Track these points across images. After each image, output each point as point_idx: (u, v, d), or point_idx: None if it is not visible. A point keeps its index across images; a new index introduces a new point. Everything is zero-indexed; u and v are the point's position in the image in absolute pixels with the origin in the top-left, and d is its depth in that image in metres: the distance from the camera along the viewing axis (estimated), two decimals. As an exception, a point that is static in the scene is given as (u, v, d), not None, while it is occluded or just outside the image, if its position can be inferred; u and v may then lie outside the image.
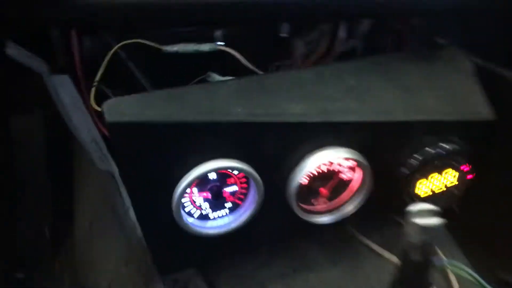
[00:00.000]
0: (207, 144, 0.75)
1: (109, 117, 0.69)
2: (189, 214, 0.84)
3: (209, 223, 0.87)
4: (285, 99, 0.81)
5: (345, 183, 0.92)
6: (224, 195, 0.84)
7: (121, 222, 1.02)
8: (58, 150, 1.30)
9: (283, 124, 0.79)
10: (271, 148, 0.80)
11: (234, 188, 0.84)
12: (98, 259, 1.15)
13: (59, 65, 0.98)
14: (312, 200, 0.93)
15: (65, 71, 0.96)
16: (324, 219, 0.93)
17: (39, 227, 1.38)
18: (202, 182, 0.81)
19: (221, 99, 0.77)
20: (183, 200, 0.81)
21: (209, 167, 0.77)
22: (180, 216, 0.80)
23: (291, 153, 0.83)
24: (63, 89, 0.97)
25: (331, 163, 0.86)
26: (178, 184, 0.77)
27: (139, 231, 0.90)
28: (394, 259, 1.00)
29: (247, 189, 0.85)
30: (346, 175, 0.90)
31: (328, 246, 1.06)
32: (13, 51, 0.92)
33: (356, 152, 0.86)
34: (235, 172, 0.82)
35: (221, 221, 0.87)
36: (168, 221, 0.80)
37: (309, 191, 0.89)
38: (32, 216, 1.37)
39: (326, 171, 0.87)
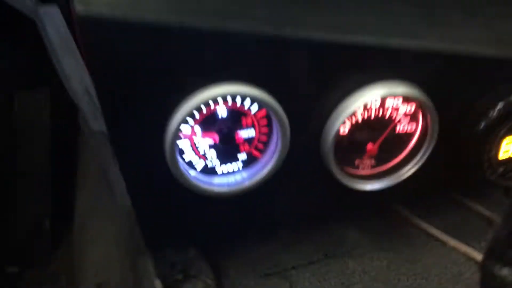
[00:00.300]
0: (214, 60, 0.55)
1: (80, 9, 0.48)
2: (190, 165, 0.63)
3: (217, 180, 0.65)
4: (326, 6, 0.59)
5: (400, 139, 0.68)
6: (237, 140, 0.62)
7: (113, 193, 0.82)
8: (63, 136, 1.17)
9: (321, 43, 0.56)
10: (304, 77, 0.59)
11: (251, 132, 0.63)
12: (89, 244, 0.97)
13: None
14: (356, 161, 0.69)
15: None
16: (370, 185, 0.70)
17: (38, 217, 1.24)
18: (207, 119, 0.59)
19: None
20: (181, 142, 0.59)
21: (216, 92, 0.55)
22: (176, 164, 0.59)
23: (330, 86, 0.60)
24: (52, 26, 0.79)
25: (384, 105, 0.63)
26: (173, 115, 0.55)
27: (127, 196, 0.69)
28: (463, 248, 0.75)
29: (268, 136, 0.63)
30: (402, 126, 0.67)
31: (373, 229, 0.83)
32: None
33: (421, 92, 0.62)
34: (253, 108, 0.60)
35: (232, 178, 0.65)
36: (161, 173, 0.61)
37: (351, 146, 0.67)
38: (32, 205, 1.23)
39: (375, 117, 0.64)
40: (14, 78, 1.11)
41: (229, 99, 0.59)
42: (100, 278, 0.89)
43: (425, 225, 0.83)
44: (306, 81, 0.60)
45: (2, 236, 1.19)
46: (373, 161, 0.70)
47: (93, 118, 0.87)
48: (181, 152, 0.62)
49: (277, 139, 0.63)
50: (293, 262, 0.79)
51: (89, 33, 0.50)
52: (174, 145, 0.58)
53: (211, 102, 0.59)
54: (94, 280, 0.89)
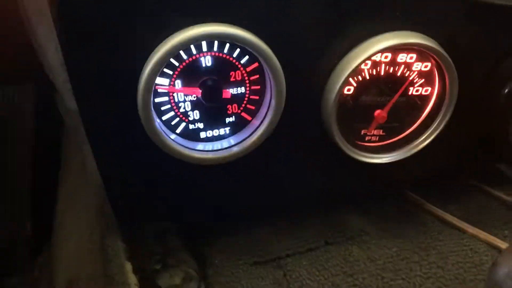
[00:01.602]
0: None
1: None
2: (169, 126, 0.54)
3: (200, 145, 0.55)
4: None
5: (413, 104, 0.59)
6: (225, 96, 0.53)
7: (88, 176, 0.74)
8: (47, 133, 1.10)
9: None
10: (305, 24, 0.51)
11: (240, 89, 0.53)
12: (64, 241, 0.89)
13: None
14: (362, 131, 0.60)
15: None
16: (378, 158, 0.61)
17: (18, 222, 1.16)
18: (189, 70, 0.50)
19: None
20: (158, 99, 0.51)
21: (196, 33, 0.47)
22: (151, 123, 0.51)
23: (335, 35, 0.52)
24: None
25: (395, 61, 0.54)
26: (147, 63, 0.47)
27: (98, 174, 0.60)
28: (483, 236, 0.66)
29: (260, 94, 0.54)
30: (416, 88, 0.58)
31: (380, 214, 0.74)
32: None
33: (438, 45, 0.53)
34: (243, 60, 0.51)
35: (218, 144, 0.56)
36: (135, 136, 0.52)
37: (357, 112, 0.58)
38: (13, 208, 1.16)
39: (385, 75, 0.55)
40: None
41: (215, 46, 0.50)
42: (71, 273, 0.80)
43: (439, 211, 0.73)
44: (307, 28, 0.51)
45: None
46: (381, 132, 0.61)
47: (70, 96, 0.78)
48: (160, 113, 0.53)
49: (271, 98, 0.54)
50: (289, 249, 0.69)
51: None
52: (148, 99, 0.50)
53: (193, 49, 0.50)
54: (65, 276, 0.80)
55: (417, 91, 0.59)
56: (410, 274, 0.64)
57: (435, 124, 0.60)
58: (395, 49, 0.54)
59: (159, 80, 0.51)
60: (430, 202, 0.75)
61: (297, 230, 0.72)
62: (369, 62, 0.55)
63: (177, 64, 0.51)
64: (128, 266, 0.61)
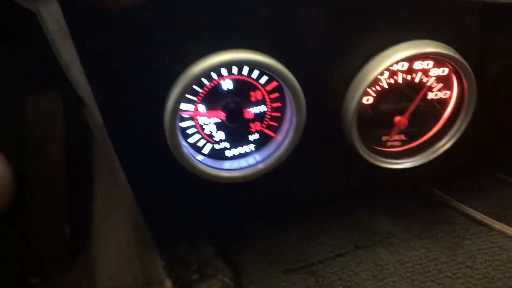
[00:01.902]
0: (213, 25, 0.48)
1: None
2: (196, 148, 0.56)
3: (227, 164, 0.57)
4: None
5: (433, 108, 0.60)
6: (247, 116, 0.54)
7: (121, 190, 0.76)
8: (78, 136, 1.12)
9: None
10: (318, 40, 0.52)
11: (262, 108, 0.55)
12: (104, 248, 0.92)
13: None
14: (384, 138, 0.61)
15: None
16: (401, 164, 0.61)
17: (56, 225, 1.20)
18: (211, 95, 0.52)
19: None
20: (184, 123, 0.53)
21: (217, 61, 0.48)
22: (178, 147, 0.53)
23: (350, 50, 0.53)
24: (49, 15, 0.74)
25: (412, 69, 0.55)
26: (171, 91, 0.49)
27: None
28: (510, 231, 0.66)
29: (281, 111, 0.56)
30: (434, 92, 0.58)
31: (406, 215, 0.74)
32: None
33: (452, 49, 0.54)
34: (262, 80, 0.53)
35: (244, 161, 0.58)
36: (164, 159, 0.55)
37: (377, 120, 0.59)
38: (51, 213, 1.19)
39: (403, 83, 0.56)
40: (27, 82, 1.07)
41: (234, 69, 0.52)
42: (113, 282, 0.83)
43: (465, 208, 0.73)
44: (321, 44, 0.52)
45: (22, 247, 1.15)
46: (403, 137, 0.62)
47: (98, 111, 0.81)
48: (187, 136, 0.55)
49: (292, 115, 0.56)
50: (319, 255, 0.70)
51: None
52: (174, 124, 0.52)
53: (214, 75, 0.52)
54: (108, 284, 0.84)
55: (436, 95, 0.60)
56: (439, 276, 0.65)
57: (456, 127, 0.61)
58: (411, 58, 0.55)
59: (183, 106, 0.53)
60: (455, 199, 0.75)
61: (326, 236, 0.73)
62: (386, 72, 0.56)
63: (199, 90, 0.53)
64: (168, 284, 0.63)
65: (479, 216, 0.72)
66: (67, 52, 0.74)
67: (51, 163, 1.15)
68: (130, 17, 0.45)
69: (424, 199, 0.78)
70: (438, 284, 0.64)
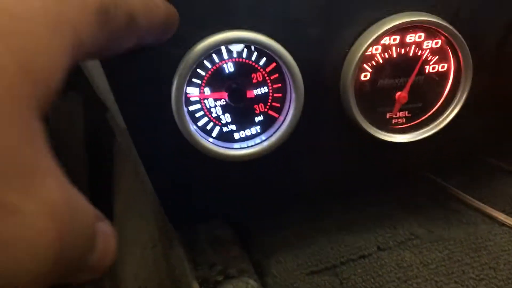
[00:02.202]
0: (211, 8, 0.53)
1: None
2: (206, 131, 0.60)
3: (236, 144, 0.61)
4: None
5: (432, 82, 0.62)
6: (249, 95, 0.59)
7: (144, 189, 0.81)
8: (98, 137, 1.19)
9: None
10: (310, 17, 0.55)
11: (263, 89, 0.59)
12: (128, 247, 0.96)
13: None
14: (388, 115, 0.63)
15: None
16: (405, 136, 0.63)
17: None
18: (215, 78, 0.57)
19: None
20: (191, 107, 0.58)
21: (215, 40, 0.53)
22: (188, 129, 0.57)
23: (340, 25, 0.56)
24: None
25: (404, 42, 0.58)
26: (176, 74, 0.54)
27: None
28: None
29: (283, 92, 0.60)
30: (431, 66, 0.60)
31: (429, 216, 0.75)
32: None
33: (441, 19, 0.56)
34: (262, 61, 0.57)
35: (251, 142, 0.62)
36: (177, 144, 0.58)
37: (378, 97, 0.61)
38: None
39: (398, 57, 0.59)
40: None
41: (234, 53, 0.57)
42: (139, 282, 0.86)
43: (487, 208, 0.72)
44: (314, 22, 0.56)
45: None
46: (407, 113, 0.64)
47: (120, 115, 0.88)
48: (196, 119, 0.60)
49: (291, 94, 0.59)
50: (342, 257, 0.71)
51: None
52: (181, 106, 0.56)
53: (215, 58, 0.57)
54: (135, 284, 0.87)
55: (433, 68, 0.61)
56: (463, 277, 0.64)
57: (457, 98, 0.62)
58: (402, 30, 0.57)
59: (190, 89, 0.58)
60: (476, 198, 0.74)
61: (349, 237, 0.73)
62: (379, 47, 0.59)
63: (203, 73, 0.58)
64: (196, 286, 0.65)
65: (501, 216, 0.71)
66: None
67: (72, 165, 1.22)
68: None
69: (446, 200, 0.77)
70: (462, 285, 0.64)
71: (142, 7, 0.36)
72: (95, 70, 0.73)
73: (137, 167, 0.80)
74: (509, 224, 0.70)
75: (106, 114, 0.94)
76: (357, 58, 0.56)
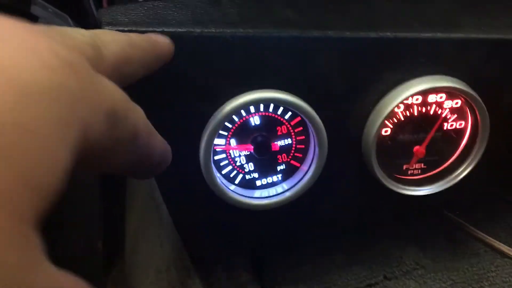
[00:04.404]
0: (242, 68, 0.54)
1: (105, 24, 0.50)
2: (228, 179, 0.62)
3: (257, 193, 0.63)
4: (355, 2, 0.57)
5: (449, 138, 0.64)
6: (274, 148, 0.60)
7: (159, 216, 0.83)
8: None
9: (351, 41, 0.55)
10: (336, 79, 0.57)
11: (287, 141, 0.61)
12: (140, 269, 0.97)
13: (87, 20, 0.85)
14: (404, 167, 0.65)
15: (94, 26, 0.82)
16: (421, 190, 0.65)
17: (91, 241, 1.26)
18: (241, 130, 0.59)
19: None
20: (217, 157, 0.59)
21: (246, 100, 0.55)
22: (213, 178, 0.58)
23: (365, 87, 0.58)
24: None
25: (426, 102, 0.60)
26: (205, 128, 0.55)
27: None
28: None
29: (306, 144, 0.61)
30: (449, 123, 0.62)
31: (433, 247, 0.77)
32: (39, 10, 0.82)
33: (464, 83, 0.58)
34: (287, 115, 0.59)
35: (273, 190, 0.63)
36: (200, 190, 0.60)
37: (396, 150, 0.64)
38: (84, 228, 1.26)
39: (419, 115, 0.61)
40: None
41: (261, 107, 0.58)
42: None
43: (491, 240, 0.75)
44: (339, 83, 0.58)
45: (55, 261, 1.21)
46: (422, 165, 0.66)
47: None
48: (220, 168, 0.61)
49: (315, 147, 0.61)
50: (349, 285, 0.74)
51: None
52: (209, 159, 0.58)
53: (243, 112, 0.58)
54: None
55: (451, 125, 0.63)
56: None
57: (473, 154, 0.64)
58: (425, 92, 0.59)
59: (216, 141, 0.59)
60: (481, 229, 0.77)
61: (356, 266, 0.76)
62: (401, 106, 0.61)
63: (230, 126, 0.59)
64: None
65: (505, 248, 0.74)
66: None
67: (86, 177, 1.22)
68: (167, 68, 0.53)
69: (450, 231, 0.80)
70: None
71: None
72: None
73: (153, 192, 0.81)
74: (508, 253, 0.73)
75: None
76: (381, 118, 0.58)
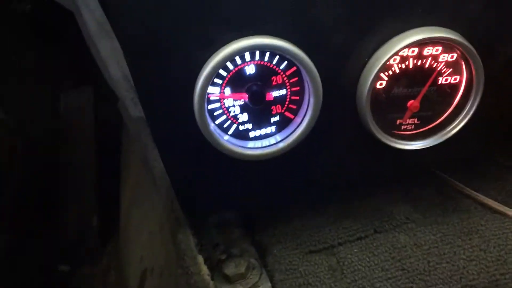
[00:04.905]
0: (237, 14, 0.54)
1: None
2: (222, 129, 0.61)
3: (250, 143, 0.63)
4: None
5: (443, 93, 0.64)
6: (268, 98, 0.60)
7: (153, 177, 0.83)
8: (107, 131, 1.20)
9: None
10: (333, 27, 0.56)
11: (282, 91, 0.61)
12: (134, 234, 0.98)
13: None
14: (398, 121, 0.65)
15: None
16: (413, 144, 0.65)
17: (86, 216, 1.28)
18: (236, 79, 0.58)
19: None
20: (211, 106, 0.59)
21: (240, 46, 0.54)
22: (207, 127, 0.58)
23: (362, 36, 0.58)
24: (88, 11, 0.81)
25: (422, 54, 0.60)
26: (199, 75, 0.55)
27: (166, 174, 0.69)
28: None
29: (300, 95, 0.61)
30: (444, 77, 0.62)
31: (424, 203, 0.78)
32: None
33: (460, 35, 0.58)
34: (282, 65, 0.58)
35: (266, 141, 0.63)
36: (195, 139, 0.60)
37: (391, 104, 0.63)
38: (79, 204, 1.27)
39: (414, 68, 0.61)
40: (59, 79, 1.15)
41: (257, 55, 0.58)
42: (145, 264, 0.89)
43: (481, 197, 0.76)
44: (337, 31, 0.57)
45: (52, 236, 1.22)
46: (416, 120, 0.66)
47: (132, 105, 0.88)
48: (214, 117, 0.61)
49: (309, 97, 0.61)
50: (340, 238, 0.74)
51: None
52: (203, 106, 0.57)
53: (238, 60, 0.58)
54: (140, 267, 0.89)
55: (446, 80, 0.64)
56: (454, 258, 0.68)
57: (466, 110, 0.65)
58: (421, 44, 0.59)
59: (211, 89, 0.59)
60: (472, 188, 0.78)
61: (347, 221, 0.76)
62: (397, 58, 0.60)
63: (225, 74, 0.58)
64: (200, 259, 0.67)
65: (494, 204, 0.75)
66: (104, 48, 0.82)
67: (82, 157, 1.23)
68: (164, 10, 0.52)
69: (442, 188, 0.81)
70: (453, 265, 0.68)
71: None
72: (109, 61, 0.74)
73: (147, 156, 0.81)
74: (501, 211, 0.74)
75: (118, 104, 0.95)
76: (376, 69, 0.58)
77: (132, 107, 0.85)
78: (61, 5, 0.84)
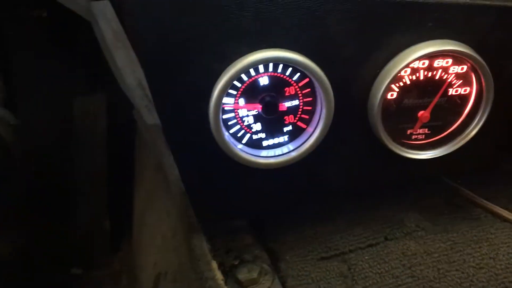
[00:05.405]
0: (252, 28, 0.55)
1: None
2: (236, 138, 0.63)
3: (264, 152, 0.65)
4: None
5: (454, 103, 0.65)
6: (281, 109, 0.61)
7: (167, 183, 0.84)
8: (120, 137, 1.21)
9: (360, 1, 0.56)
10: (346, 40, 0.58)
11: (294, 102, 0.62)
12: (148, 238, 0.99)
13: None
14: (408, 131, 0.67)
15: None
16: (424, 154, 0.67)
17: (98, 220, 1.29)
18: (250, 90, 0.60)
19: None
20: (225, 115, 0.61)
21: (255, 59, 0.56)
22: (222, 137, 0.60)
23: (374, 48, 0.59)
24: (104, 20, 0.83)
25: (432, 66, 0.61)
26: (215, 87, 0.56)
27: (180, 180, 0.70)
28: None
29: (313, 105, 0.63)
30: (454, 88, 0.64)
31: (434, 211, 0.79)
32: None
33: (471, 50, 0.59)
34: (295, 77, 0.60)
35: (279, 150, 0.65)
36: (210, 148, 0.62)
37: (401, 114, 0.64)
38: (92, 207, 1.28)
39: (425, 80, 0.62)
40: (73, 85, 1.17)
41: (270, 67, 0.59)
42: (158, 269, 0.90)
43: (490, 205, 0.77)
44: (348, 44, 0.59)
45: (64, 239, 1.23)
46: (426, 130, 0.67)
47: (147, 112, 0.90)
48: (228, 127, 0.63)
49: (321, 108, 0.62)
50: (350, 245, 0.76)
51: (136, 11, 0.52)
52: (218, 116, 0.59)
53: (252, 71, 0.59)
54: (153, 272, 0.91)
55: (456, 91, 0.65)
56: (463, 265, 0.69)
57: (476, 120, 0.66)
58: (432, 56, 0.60)
59: (225, 100, 0.60)
60: (481, 196, 0.79)
61: (357, 228, 0.78)
62: (408, 69, 0.62)
63: (239, 85, 0.60)
64: (214, 264, 0.68)
65: (504, 213, 0.75)
66: (120, 57, 0.83)
67: (95, 161, 1.24)
68: (181, 23, 0.54)
69: (451, 197, 0.82)
70: (463, 273, 0.69)
71: None
72: (125, 69, 0.75)
73: (161, 162, 0.83)
74: (511, 219, 0.75)
75: (133, 111, 0.96)
76: (387, 80, 0.59)
77: (147, 114, 0.87)
78: (77, 13, 0.86)
